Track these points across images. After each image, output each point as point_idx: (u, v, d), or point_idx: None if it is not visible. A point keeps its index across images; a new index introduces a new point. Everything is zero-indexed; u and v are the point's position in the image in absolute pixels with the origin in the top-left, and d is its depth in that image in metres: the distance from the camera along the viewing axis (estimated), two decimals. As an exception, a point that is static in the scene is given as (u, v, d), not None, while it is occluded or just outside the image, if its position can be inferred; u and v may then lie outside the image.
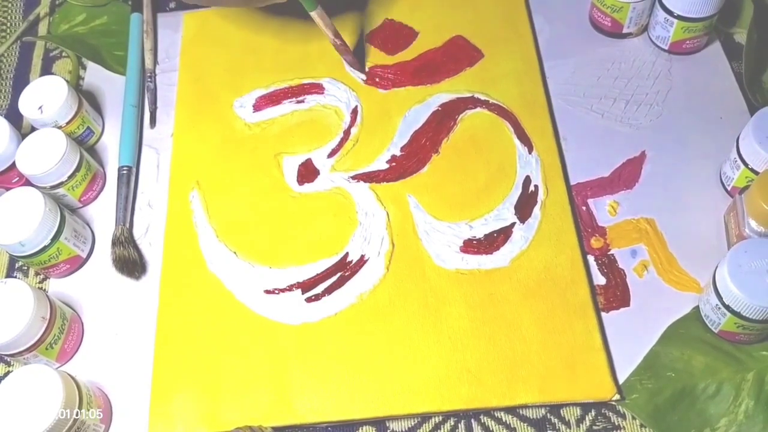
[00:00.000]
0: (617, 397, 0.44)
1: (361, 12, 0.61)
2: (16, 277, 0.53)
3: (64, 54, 0.63)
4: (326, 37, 0.55)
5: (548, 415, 0.45)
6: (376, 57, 0.59)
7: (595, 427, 0.45)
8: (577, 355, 0.45)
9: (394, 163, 0.54)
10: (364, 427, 0.46)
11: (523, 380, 0.45)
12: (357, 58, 0.58)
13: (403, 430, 0.46)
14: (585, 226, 0.51)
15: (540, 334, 0.46)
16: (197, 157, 0.55)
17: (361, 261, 0.50)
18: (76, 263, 0.51)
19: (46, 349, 0.46)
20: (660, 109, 0.55)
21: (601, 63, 0.58)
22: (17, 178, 0.54)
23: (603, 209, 0.51)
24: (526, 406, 0.45)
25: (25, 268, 0.53)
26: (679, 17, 0.54)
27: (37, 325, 0.45)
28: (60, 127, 0.54)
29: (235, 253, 0.51)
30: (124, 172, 0.54)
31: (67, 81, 0.55)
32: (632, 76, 0.57)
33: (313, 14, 0.54)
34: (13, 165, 0.52)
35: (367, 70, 0.58)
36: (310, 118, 0.56)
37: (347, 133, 0.55)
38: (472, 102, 0.56)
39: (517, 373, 0.45)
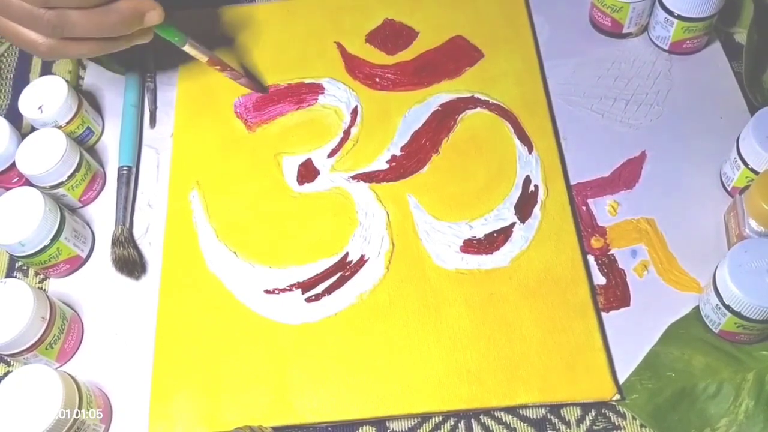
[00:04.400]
0: (617, 397, 0.44)
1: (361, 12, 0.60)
2: (16, 277, 0.53)
3: (64, 54, 0.63)
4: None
5: (548, 415, 0.45)
6: (376, 57, 0.59)
7: (595, 427, 0.45)
8: (577, 355, 0.45)
9: (394, 163, 0.54)
10: (364, 427, 0.46)
11: (523, 380, 0.45)
12: (252, 80, 0.57)
13: (403, 430, 0.46)
14: (585, 226, 0.51)
15: (540, 334, 0.46)
16: (197, 157, 0.55)
17: (361, 261, 0.50)
18: (76, 263, 0.51)
19: (46, 349, 0.46)
20: (660, 109, 0.55)
21: (601, 63, 0.58)
22: (17, 178, 0.54)
23: (603, 209, 0.51)
24: (526, 406, 0.45)
25: (25, 268, 0.53)
26: (680, 17, 0.54)
27: (37, 325, 0.45)
28: (60, 127, 0.54)
29: (235, 253, 0.51)
30: (124, 172, 0.54)
31: (66, 81, 0.55)
32: (632, 76, 0.57)
33: (185, 48, 0.52)
34: (13, 165, 0.52)
35: (267, 86, 0.57)
36: (310, 118, 0.56)
37: (347, 133, 0.55)
38: (472, 102, 0.56)
39: (517, 373, 0.45)
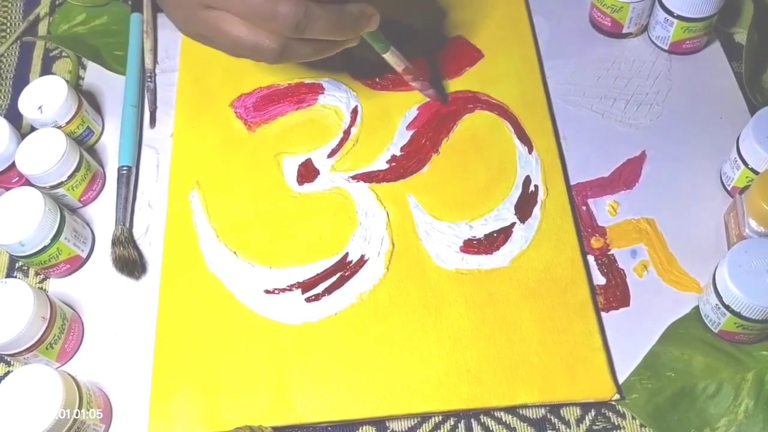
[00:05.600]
0: (617, 396, 0.44)
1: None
2: (16, 277, 0.53)
3: (64, 54, 0.63)
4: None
5: (548, 415, 0.45)
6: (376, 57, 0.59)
7: (595, 427, 0.45)
8: (577, 355, 0.45)
9: (394, 163, 0.54)
10: (364, 427, 0.46)
11: (523, 380, 0.45)
12: (437, 90, 0.55)
13: (403, 430, 0.46)
14: (585, 226, 0.51)
15: (540, 334, 0.46)
16: (197, 157, 0.55)
17: (361, 261, 0.50)
18: (76, 263, 0.51)
19: (46, 349, 0.46)
20: (660, 109, 0.55)
21: (601, 63, 0.58)
22: (17, 178, 0.54)
23: (603, 209, 0.51)
24: (526, 406, 0.45)
25: (25, 268, 0.53)
26: (679, 17, 0.54)
27: (37, 325, 0.45)
28: (60, 127, 0.54)
29: (235, 253, 0.51)
30: (124, 172, 0.54)
31: (66, 81, 0.55)
32: (632, 76, 0.57)
33: (386, 56, 0.51)
34: (13, 165, 0.52)
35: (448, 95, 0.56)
36: (310, 118, 0.56)
37: (347, 132, 0.55)
38: (472, 102, 0.56)
39: (517, 373, 0.45)
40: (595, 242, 0.50)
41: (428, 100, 0.56)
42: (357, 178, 0.53)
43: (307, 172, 0.54)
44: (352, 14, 0.44)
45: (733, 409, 0.44)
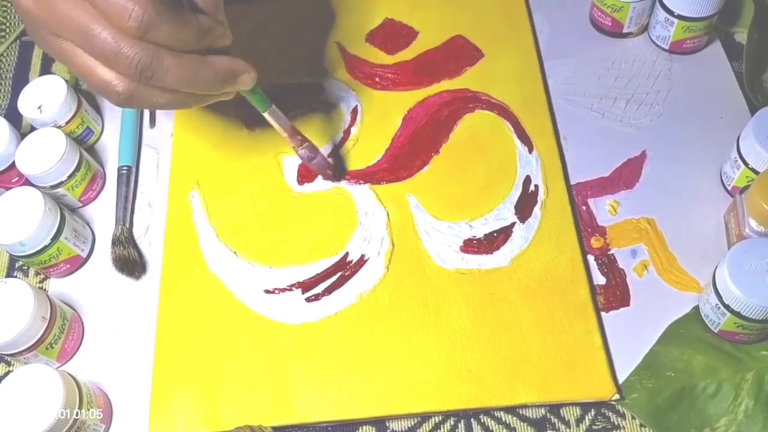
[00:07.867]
0: (617, 396, 0.44)
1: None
2: (16, 277, 0.53)
3: (63, 53, 0.63)
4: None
5: (548, 414, 0.45)
6: (376, 57, 0.59)
7: (594, 427, 0.45)
8: (577, 355, 0.45)
9: (394, 163, 0.54)
10: (364, 427, 0.46)
11: (523, 380, 0.45)
12: (332, 162, 0.51)
13: (403, 430, 0.46)
14: (585, 226, 0.51)
15: (540, 334, 0.46)
16: (197, 157, 0.55)
17: (361, 261, 0.50)
18: (76, 263, 0.51)
19: (47, 348, 0.46)
20: (660, 108, 0.55)
21: (601, 63, 0.58)
22: (17, 178, 0.54)
23: (603, 209, 0.51)
24: (526, 406, 0.45)
25: (25, 268, 0.53)
26: (680, 17, 0.54)
27: (37, 324, 0.45)
28: (59, 127, 0.54)
29: (235, 252, 0.51)
30: (124, 171, 0.54)
31: (66, 80, 0.55)
32: (632, 76, 0.57)
33: (266, 115, 0.46)
34: (13, 165, 0.52)
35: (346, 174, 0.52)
36: (310, 118, 0.56)
37: (347, 132, 0.55)
38: (473, 101, 0.56)
39: (517, 372, 0.45)
40: (595, 242, 0.50)
41: (427, 99, 0.56)
42: (357, 177, 0.53)
43: (307, 172, 0.54)
44: (216, 69, 0.39)
45: (733, 409, 0.44)
